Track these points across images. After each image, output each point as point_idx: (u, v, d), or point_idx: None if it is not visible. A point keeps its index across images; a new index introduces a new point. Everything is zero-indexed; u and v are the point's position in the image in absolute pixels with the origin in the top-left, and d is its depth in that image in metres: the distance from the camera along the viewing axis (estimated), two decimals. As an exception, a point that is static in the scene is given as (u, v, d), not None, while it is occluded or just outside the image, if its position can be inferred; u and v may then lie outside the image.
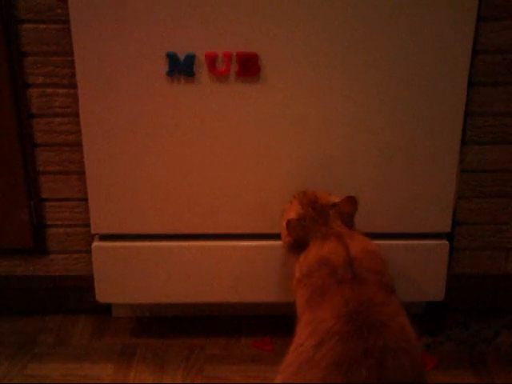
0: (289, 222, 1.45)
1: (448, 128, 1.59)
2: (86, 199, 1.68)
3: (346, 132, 1.59)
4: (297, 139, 1.59)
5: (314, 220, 1.45)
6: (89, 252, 1.72)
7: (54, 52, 1.59)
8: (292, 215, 1.48)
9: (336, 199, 1.49)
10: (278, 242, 1.58)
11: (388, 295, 1.30)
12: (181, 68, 1.53)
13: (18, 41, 1.58)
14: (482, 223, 1.75)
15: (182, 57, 1.52)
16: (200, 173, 1.62)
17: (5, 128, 1.65)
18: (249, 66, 1.52)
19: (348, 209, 1.46)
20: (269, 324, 1.85)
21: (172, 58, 1.52)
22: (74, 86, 1.58)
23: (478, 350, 1.76)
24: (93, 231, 1.69)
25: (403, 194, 1.64)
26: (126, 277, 1.71)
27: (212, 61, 1.52)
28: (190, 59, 1.52)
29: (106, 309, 1.88)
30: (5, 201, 1.71)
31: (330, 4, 1.48)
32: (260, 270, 1.68)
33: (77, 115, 1.60)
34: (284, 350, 1.27)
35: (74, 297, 1.88)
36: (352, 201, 1.46)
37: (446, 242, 1.70)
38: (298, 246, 1.44)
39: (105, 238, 1.70)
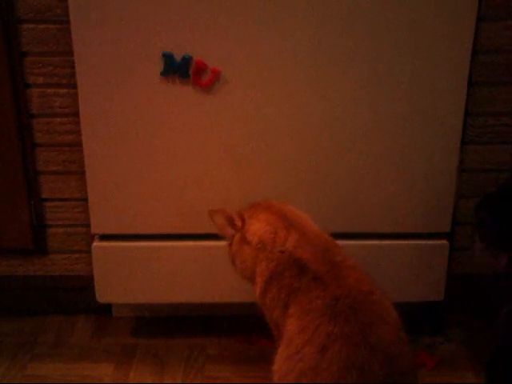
0: (210, 211, 1.44)
1: (448, 128, 1.59)
2: (85, 199, 1.68)
3: (346, 132, 1.59)
4: (295, 139, 1.59)
5: None
6: (89, 252, 1.72)
7: (54, 52, 1.60)
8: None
9: None
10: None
11: (368, 280, 1.30)
12: (176, 68, 1.53)
13: (18, 41, 1.58)
14: (482, 223, 1.75)
15: (178, 58, 1.52)
16: (200, 173, 1.62)
17: (5, 128, 1.65)
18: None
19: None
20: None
21: (168, 58, 1.51)
22: (73, 86, 1.58)
23: (478, 350, 1.76)
24: (93, 231, 1.69)
25: (403, 194, 1.64)
26: (126, 277, 1.71)
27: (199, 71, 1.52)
28: (187, 60, 1.52)
29: (106, 309, 1.88)
30: (5, 201, 1.71)
31: (329, 4, 1.48)
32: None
33: (77, 115, 1.60)
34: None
35: (74, 297, 1.88)
36: None
37: (445, 242, 1.70)
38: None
39: (105, 238, 1.70)
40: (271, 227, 1.38)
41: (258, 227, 1.39)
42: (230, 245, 1.46)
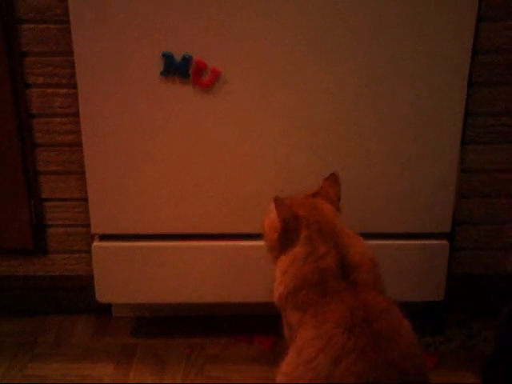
0: (277, 200, 1.30)
1: (448, 128, 1.59)
2: (86, 199, 1.68)
3: (346, 132, 1.59)
4: (295, 139, 1.59)
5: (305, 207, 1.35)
6: (89, 252, 1.72)
7: (54, 52, 1.60)
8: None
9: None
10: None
11: (388, 301, 1.28)
12: (176, 68, 1.53)
13: (18, 41, 1.58)
14: (482, 223, 1.75)
15: (178, 58, 1.52)
16: (200, 173, 1.62)
17: (5, 128, 1.65)
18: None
19: (332, 189, 1.38)
20: (269, 324, 1.84)
21: (168, 58, 1.51)
22: (73, 86, 1.58)
23: (478, 350, 1.76)
24: (93, 231, 1.69)
25: (403, 193, 1.64)
26: (126, 277, 1.71)
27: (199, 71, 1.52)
28: (187, 60, 1.52)
29: (106, 309, 1.88)
30: (5, 201, 1.71)
31: (329, 4, 1.48)
32: (261, 269, 1.68)
33: (77, 115, 1.60)
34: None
35: (74, 297, 1.88)
36: (333, 179, 1.38)
37: (446, 242, 1.69)
38: (283, 241, 1.35)
39: (105, 237, 1.70)
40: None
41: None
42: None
